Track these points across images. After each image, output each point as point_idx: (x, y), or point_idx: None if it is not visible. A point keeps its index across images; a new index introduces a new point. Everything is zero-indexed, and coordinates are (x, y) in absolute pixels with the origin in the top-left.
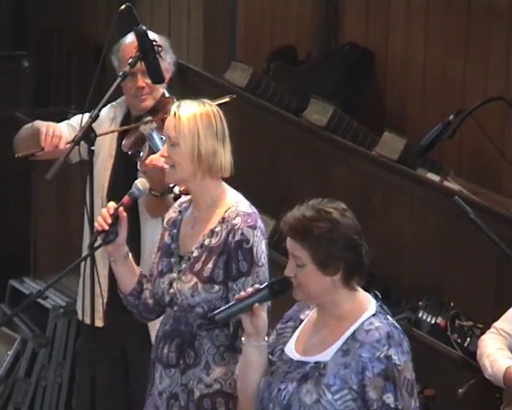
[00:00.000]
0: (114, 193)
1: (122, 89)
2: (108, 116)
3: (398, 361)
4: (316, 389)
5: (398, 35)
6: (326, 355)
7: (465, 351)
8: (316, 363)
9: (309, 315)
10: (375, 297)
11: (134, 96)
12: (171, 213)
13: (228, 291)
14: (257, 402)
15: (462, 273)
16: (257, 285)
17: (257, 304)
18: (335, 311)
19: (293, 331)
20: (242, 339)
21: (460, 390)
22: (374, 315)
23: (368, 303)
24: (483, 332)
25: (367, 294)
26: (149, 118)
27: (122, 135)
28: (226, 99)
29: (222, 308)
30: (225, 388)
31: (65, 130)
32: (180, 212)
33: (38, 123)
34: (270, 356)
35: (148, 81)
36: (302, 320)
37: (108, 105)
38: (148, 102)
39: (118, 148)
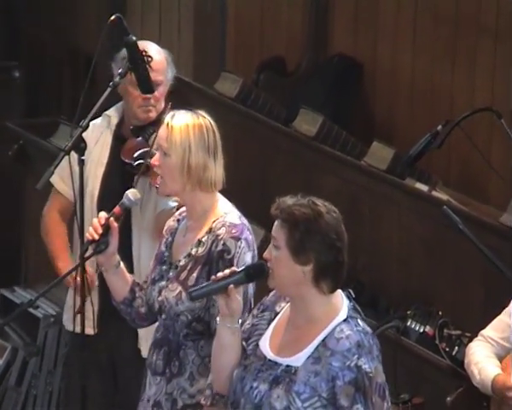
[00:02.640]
0: (104, 202)
1: (123, 97)
2: (103, 125)
3: (369, 369)
4: (286, 395)
5: (387, 46)
6: (297, 360)
7: (453, 359)
8: (287, 367)
9: (284, 309)
10: (348, 297)
11: (139, 106)
12: (171, 222)
13: (211, 301)
14: (230, 392)
15: (450, 283)
16: (234, 267)
17: (232, 286)
18: (306, 312)
19: (269, 324)
20: (217, 320)
21: (448, 398)
22: (345, 321)
23: (340, 307)
24: (471, 341)
25: (339, 294)
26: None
27: (117, 145)
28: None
29: (199, 286)
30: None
31: (60, 183)
32: (178, 221)
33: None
34: (244, 343)
35: (157, 94)
36: (277, 313)
37: (103, 115)
38: (152, 114)
39: (111, 156)
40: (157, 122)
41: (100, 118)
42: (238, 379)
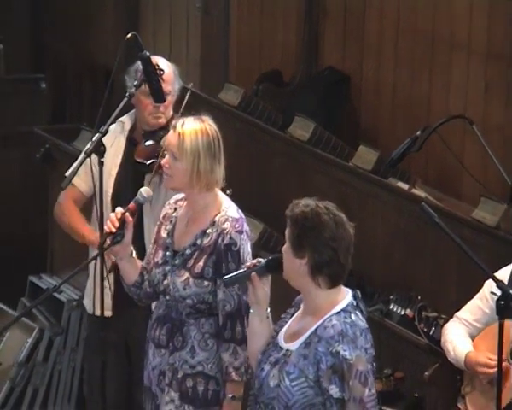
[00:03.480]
0: (118, 198)
1: (136, 106)
2: (117, 130)
3: (349, 356)
4: (278, 374)
5: (371, 61)
6: (294, 345)
7: (430, 339)
8: (286, 351)
9: (302, 306)
10: (355, 296)
11: (150, 114)
12: (167, 209)
13: (216, 287)
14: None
15: (428, 270)
16: (259, 258)
17: (254, 274)
18: (310, 304)
19: (291, 317)
20: (250, 311)
21: (426, 373)
22: (337, 313)
23: (339, 302)
24: (446, 322)
25: (345, 292)
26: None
27: (130, 148)
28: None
29: (231, 275)
30: (206, 370)
31: (77, 179)
32: (175, 209)
33: (86, 236)
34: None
35: (166, 102)
36: (299, 309)
37: (117, 121)
38: (162, 121)
39: (124, 158)
40: (166, 127)
41: (114, 124)
42: (258, 362)
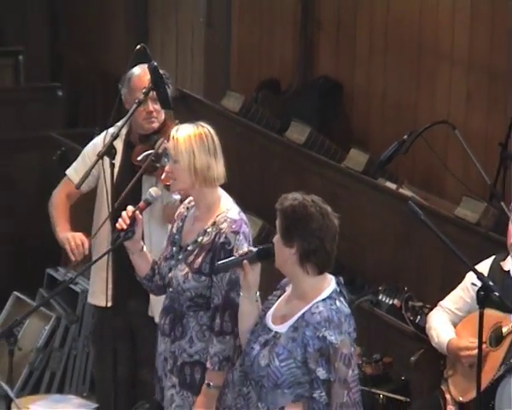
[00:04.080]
0: (118, 198)
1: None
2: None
3: (335, 340)
4: (268, 355)
5: (362, 70)
6: (283, 328)
7: (416, 326)
8: (275, 333)
9: (288, 289)
10: (338, 282)
11: (144, 119)
12: (181, 209)
13: (211, 282)
14: (243, 351)
15: (414, 264)
16: (251, 247)
17: (245, 261)
18: (297, 289)
19: (278, 299)
20: (241, 294)
21: (412, 358)
22: (323, 300)
23: (325, 289)
24: (431, 311)
25: (330, 279)
26: (162, 139)
27: (128, 151)
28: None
29: (222, 261)
30: (203, 359)
31: (73, 174)
32: (187, 209)
33: (59, 233)
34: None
35: (157, 107)
36: (285, 292)
37: (114, 125)
38: (155, 125)
39: (122, 159)
40: (159, 131)
41: (112, 128)
42: (247, 341)
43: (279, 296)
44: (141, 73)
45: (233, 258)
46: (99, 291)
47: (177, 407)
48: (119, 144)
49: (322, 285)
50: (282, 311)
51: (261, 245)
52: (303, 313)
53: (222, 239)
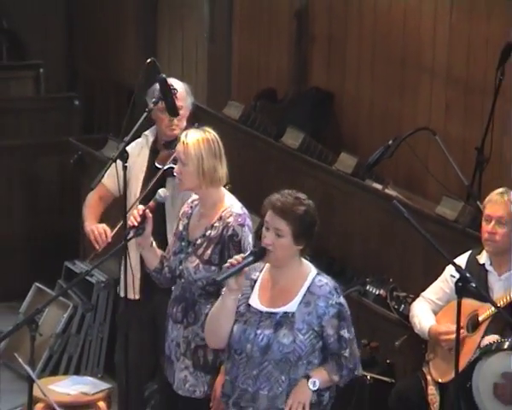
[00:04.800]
0: (144, 198)
1: (155, 120)
2: (143, 142)
3: (345, 304)
4: (291, 332)
5: (351, 81)
6: (291, 307)
7: (400, 314)
8: (285, 313)
9: (261, 276)
10: (305, 258)
11: (167, 126)
12: (185, 208)
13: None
14: (233, 342)
15: (398, 257)
16: (242, 254)
17: (247, 269)
18: (288, 273)
19: (252, 288)
20: (222, 291)
21: (396, 343)
22: (318, 274)
23: (308, 265)
24: (414, 300)
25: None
26: None
27: (153, 156)
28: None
29: (222, 273)
30: None
31: (107, 181)
32: (191, 207)
33: (87, 225)
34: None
35: (179, 116)
36: (255, 279)
37: (142, 134)
38: (176, 132)
39: (148, 165)
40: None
41: (141, 137)
42: (241, 332)
43: (251, 286)
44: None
45: (232, 269)
46: (128, 285)
47: (191, 386)
48: (146, 151)
49: (305, 264)
50: (270, 295)
51: (253, 249)
52: (307, 288)
53: (230, 232)
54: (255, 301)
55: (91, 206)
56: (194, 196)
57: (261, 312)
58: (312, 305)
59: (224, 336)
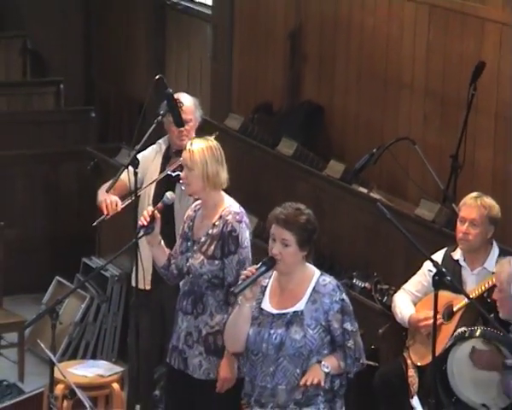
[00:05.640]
0: (157, 199)
1: (168, 131)
2: (156, 149)
3: (347, 300)
4: (301, 329)
5: (340, 96)
6: (300, 306)
7: (383, 305)
8: (294, 312)
9: (270, 282)
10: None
11: (177, 137)
12: (190, 212)
13: (224, 265)
14: (250, 343)
15: (382, 254)
16: (256, 265)
17: (260, 278)
18: (296, 277)
19: (263, 294)
20: (239, 300)
21: (380, 331)
22: (322, 274)
23: (312, 268)
24: (395, 292)
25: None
26: None
27: (165, 162)
28: (214, 135)
29: (239, 285)
30: (222, 328)
31: (124, 176)
32: (195, 211)
33: (100, 196)
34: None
35: (187, 128)
36: (265, 286)
37: (157, 142)
38: (185, 142)
39: (161, 170)
40: None
41: (155, 145)
42: (256, 333)
43: (262, 291)
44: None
45: (247, 280)
46: (140, 277)
47: (206, 370)
48: (159, 158)
49: (309, 268)
50: (282, 298)
51: (264, 260)
52: (313, 288)
53: (229, 228)
54: (267, 305)
55: (104, 186)
56: (197, 202)
57: (273, 314)
58: (319, 302)
59: (243, 340)
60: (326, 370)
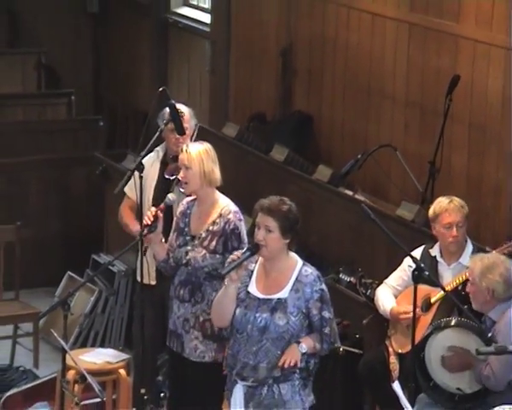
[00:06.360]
0: (156, 201)
1: (165, 138)
2: (154, 156)
3: (326, 290)
4: (285, 315)
5: (327, 106)
6: (284, 294)
7: (367, 298)
8: (278, 299)
9: (256, 267)
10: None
11: (174, 144)
12: (181, 207)
13: (225, 259)
14: (236, 322)
15: (366, 251)
16: (241, 250)
17: (245, 262)
18: (278, 263)
19: (250, 278)
20: (225, 281)
21: (364, 321)
22: (304, 265)
23: (295, 258)
24: (378, 286)
25: (291, 252)
26: None
27: (163, 168)
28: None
29: (226, 268)
30: None
31: (129, 191)
32: (188, 207)
33: (134, 230)
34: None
35: (184, 136)
36: (252, 270)
37: (154, 150)
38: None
39: (159, 175)
40: None
41: (153, 152)
42: (242, 315)
43: (249, 275)
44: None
45: (233, 263)
46: (145, 272)
47: (201, 353)
48: (157, 164)
49: (292, 257)
50: (265, 283)
51: (248, 245)
52: (296, 278)
53: (232, 226)
54: (253, 289)
55: (127, 215)
56: (188, 198)
57: (259, 298)
58: (301, 291)
59: (228, 318)
60: (303, 351)
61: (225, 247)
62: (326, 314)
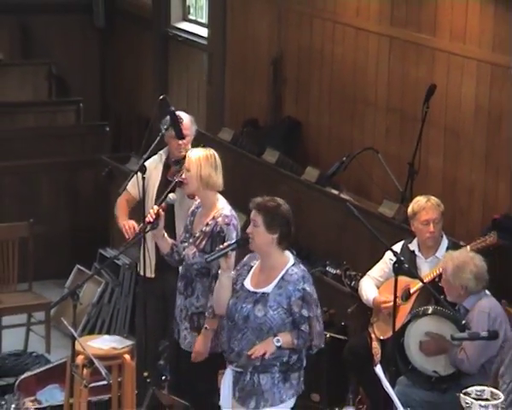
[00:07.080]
0: (157, 201)
1: (168, 143)
2: (158, 159)
3: (310, 290)
4: (264, 308)
5: (314, 113)
6: (268, 289)
7: (352, 288)
8: (263, 293)
9: (256, 263)
10: (291, 252)
11: (176, 149)
12: (193, 207)
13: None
14: (227, 311)
15: (351, 245)
16: (229, 241)
17: (230, 252)
18: (270, 260)
19: (248, 272)
20: (219, 271)
21: (349, 310)
22: (293, 264)
23: (289, 258)
24: (362, 278)
25: (287, 252)
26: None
27: (166, 170)
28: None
29: (211, 255)
30: (205, 311)
31: (131, 187)
32: (197, 207)
33: (120, 223)
34: (234, 286)
35: (185, 141)
36: (252, 266)
37: (158, 153)
38: (183, 153)
39: (162, 177)
40: (185, 157)
41: (156, 155)
42: (233, 304)
43: (248, 270)
44: (186, 121)
45: (219, 252)
46: (146, 265)
47: (189, 343)
48: (160, 166)
49: (286, 256)
50: (258, 279)
51: (238, 238)
52: (282, 276)
53: (218, 229)
54: (247, 283)
55: (121, 207)
56: (198, 200)
57: (248, 291)
58: (283, 288)
59: (224, 305)
60: (277, 344)
61: (212, 247)
62: (305, 313)
